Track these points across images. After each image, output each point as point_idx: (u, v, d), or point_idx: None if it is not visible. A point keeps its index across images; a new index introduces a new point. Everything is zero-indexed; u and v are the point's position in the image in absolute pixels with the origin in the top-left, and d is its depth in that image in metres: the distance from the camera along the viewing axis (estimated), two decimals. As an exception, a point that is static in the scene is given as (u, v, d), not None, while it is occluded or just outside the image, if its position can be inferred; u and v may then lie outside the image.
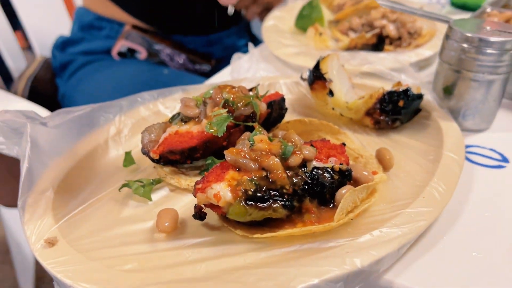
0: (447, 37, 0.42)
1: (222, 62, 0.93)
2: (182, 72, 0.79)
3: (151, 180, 0.34)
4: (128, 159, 0.36)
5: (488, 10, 0.58)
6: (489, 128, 0.45)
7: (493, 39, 0.39)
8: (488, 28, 0.41)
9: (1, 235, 1.17)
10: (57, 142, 0.34)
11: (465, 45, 0.40)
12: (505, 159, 0.40)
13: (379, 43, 0.55)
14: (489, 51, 0.40)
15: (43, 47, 1.03)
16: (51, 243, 0.28)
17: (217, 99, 0.35)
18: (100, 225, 0.30)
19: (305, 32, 0.62)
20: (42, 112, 0.64)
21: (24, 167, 0.32)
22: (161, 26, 0.84)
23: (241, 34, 0.98)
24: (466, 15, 0.64)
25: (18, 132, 0.33)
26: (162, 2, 0.81)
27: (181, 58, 0.84)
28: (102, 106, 0.38)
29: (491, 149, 0.41)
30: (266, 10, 0.84)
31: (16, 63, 1.00)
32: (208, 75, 0.87)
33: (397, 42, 0.58)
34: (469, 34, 0.40)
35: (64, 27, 1.03)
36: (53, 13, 1.05)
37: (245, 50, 0.94)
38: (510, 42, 0.39)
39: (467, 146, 0.42)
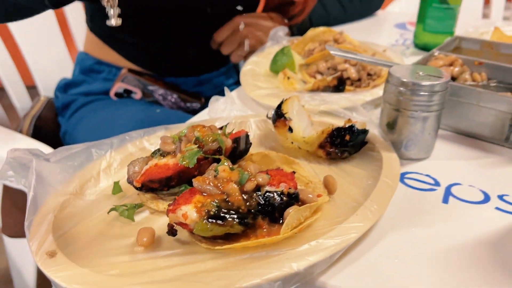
0: (387, 81, 0.50)
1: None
2: (173, 111, 0.87)
3: (134, 205, 0.41)
4: (116, 187, 0.43)
5: (436, 53, 0.66)
6: (429, 157, 0.52)
7: (424, 83, 0.47)
8: (421, 73, 0.49)
9: (5, 266, 1.23)
10: (58, 174, 0.41)
11: (401, 88, 0.48)
12: (437, 183, 0.47)
13: (339, 85, 0.63)
14: (421, 93, 0.48)
15: (46, 88, 1.12)
16: (51, 255, 0.35)
17: (190, 136, 0.42)
18: (92, 241, 0.37)
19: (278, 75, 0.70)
20: (46, 149, 0.71)
21: (30, 196, 0.39)
22: (155, 69, 0.93)
23: (230, 74, 1.07)
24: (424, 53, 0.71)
25: (25, 167, 0.41)
26: (156, 48, 0.90)
27: (173, 97, 0.92)
28: (95, 144, 0.46)
29: (427, 175, 0.48)
30: (249, 53, 0.93)
31: (21, 103, 1.08)
32: (198, 112, 0.95)
33: (357, 83, 0.66)
34: (404, 79, 0.48)
35: (66, 69, 1.12)
36: (57, 57, 1.15)
37: (233, 88, 1.03)
38: (438, 85, 0.47)
39: (407, 173, 0.49)
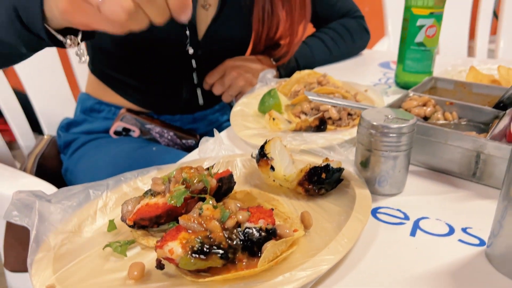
0: (359, 124, 0.55)
1: (205, 136, 1.06)
2: (169, 148, 0.92)
3: (127, 241, 0.45)
4: (111, 225, 0.48)
5: (411, 94, 0.71)
6: (401, 192, 0.56)
7: (392, 126, 0.52)
8: (389, 116, 0.54)
9: (5, 300, 1.25)
10: (58, 214, 0.46)
11: (372, 131, 0.53)
12: (406, 217, 0.51)
13: (321, 125, 0.68)
14: (390, 135, 0.52)
15: (49, 126, 1.17)
16: (51, 288, 0.39)
17: (178, 178, 0.47)
18: (88, 275, 0.41)
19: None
20: (48, 187, 0.76)
21: (32, 234, 0.43)
22: (152, 108, 0.98)
23: (224, 111, 1.12)
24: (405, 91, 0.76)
25: (29, 207, 0.45)
26: (152, 89, 0.96)
27: (169, 135, 0.97)
28: (93, 185, 0.50)
29: (398, 210, 0.53)
30: (240, 94, 0.98)
31: (25, 142, 1.14)
32: (193, 148, 1.00)
33: (338, 122, 0.71)
34: (374, 123, 0.53)
35: (69, 109, 1.18)
36: (60, 97, 1.21)
37: (227, 125, 1.08)
38: (405, 128, 0.52)
39: (380, 208, 0.53)
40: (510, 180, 0.42)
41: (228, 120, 1.12)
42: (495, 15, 1.84)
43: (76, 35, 0.52)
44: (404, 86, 0.91)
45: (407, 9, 0.86)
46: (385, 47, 1.46)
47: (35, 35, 0.51)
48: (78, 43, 0.52)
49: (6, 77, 1.08)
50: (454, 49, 1.67)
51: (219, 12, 0.91)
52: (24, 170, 0.93)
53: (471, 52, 1.76)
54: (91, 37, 0.53)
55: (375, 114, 0.55)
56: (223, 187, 0.50)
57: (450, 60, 1.02)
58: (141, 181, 0.54)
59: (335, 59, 1.11)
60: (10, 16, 0.51)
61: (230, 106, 1.16)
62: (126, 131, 0.93)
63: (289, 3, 0.92)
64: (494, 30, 1.74)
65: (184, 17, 0.42)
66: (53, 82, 1.18)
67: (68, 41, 0.51)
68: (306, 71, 0.84)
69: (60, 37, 0.50)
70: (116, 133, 0.93)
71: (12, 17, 0.51)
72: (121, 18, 0.38)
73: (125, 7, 0.37)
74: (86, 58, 0.55)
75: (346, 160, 0.57)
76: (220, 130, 1.04)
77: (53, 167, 0.97)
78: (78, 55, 0.55)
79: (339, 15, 1.12)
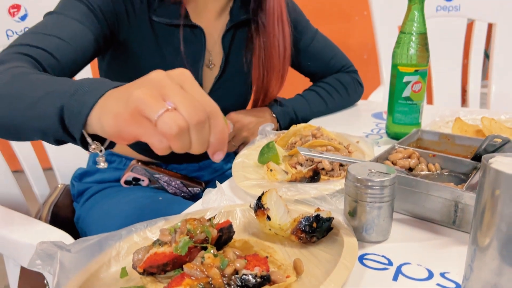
0: (346, 177, 0.61)
1: (210, 183, 1.12)
2: (175, 197, 0.98)
3: (137, 287, 0.50)
4: (123, 272, 0.53)
5: (396, 147, 0.77)
6: (387, 239, 0.61)
7: (375, 179, 0.58)
8: (373, 170, 0.60)
9: None
10: (77, 263, 0.51)
11: (357, 184, 0.59)
12: (390, 263, 0.56)
13: (314, 175, 0.74)
14: (374, 187, 0.58)
15: (63, 176, 1.24)
16: (70, 330, 0.44)
17: (183, 229, 0.53)
18: (102, 318, 0.46)
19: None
20: (62, 235, 0.82)
21: (54, 281, 0.49)
22: (160, 159, 1.05)
23: (227, 159, 1.19)
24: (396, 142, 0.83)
25: (51, 257, 0.51)
26: None
27: (176, 183, 1.04)
28: (108, 236, 0.56)
29: (383, 256, 0.58)
30: (243, 144, 1.05)
31: (40, 190, 1.21)
32: (198, 195, 1.06)
33: (331, 172, 0.77)
34: (359, 177, 0.59)
35: (81, 159, 1.25)
36: (73, 148, 1.28)
37: (230, 172, 1.15)
38: (387, 181, 0.58)
39: (366, 254, 0.58)
40: (476, 225, 0.47)
41: (231, 167, 1.19)
42: (487, 55, 1.92)
43: (102, 143, 0.55)
44: (394, 136, 0.98)
45: (394, 66, 0.94)
46: (381, 95, 1.54)
47: (69, 135, 0.54)
48: (101, 150, 0.55)
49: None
50: (448, 93, 1.75)
51: (222, 72, 0.99)
52: (40, 218, 0.99)
53: (464, 96, 1.84)
54: (112, 147, 0.57)
55: (360, 168, 0.61)
56: (223, 237, 0.56)
57: (439, 111, 1.08)
58: (150, 231, 0.60)
59: (330, 111, 1.18)
60: (52, 113, 0.54)
61: (234, 153, 1.23)
62: (136, 180, 1.00)
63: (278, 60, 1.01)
64: (487, 74, 1.83)
65: (216, 157, 0.48)
66: (72, 149, 1.26)
67: (93, 146, 0.53)
68: (302, 125, 0.91)
69: (89, 140, 0.53)
70: (126, 182, 0.99)
71: (54, 114, 0.53)
72: (172, 133, 0.42)
73: (179, 124, 0.42)
74: (105, 164, 0.58)
75: (336, 209, 0.62)
76: (223, 177, 1.11)
77: (66, 215, 1.03)
78: (98, 162, 0.57)
79: (334, 71, 1.20)
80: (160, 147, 0.45)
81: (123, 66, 0.94)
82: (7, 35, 1.18)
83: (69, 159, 1.27)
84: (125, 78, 0.63)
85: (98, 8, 0.83)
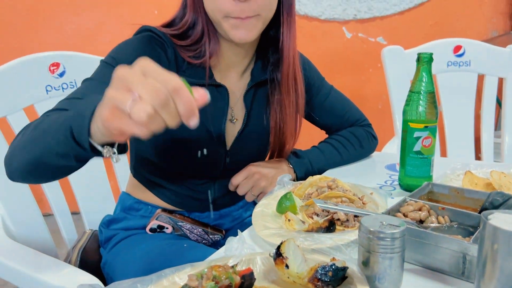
0: (359, 229, 0.65)
1: (230, 231, 1.17)
2: (198, 244, 1.03)
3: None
4: (154, 314, 0.58)
5: (408, 200, 0.82)
6: (399, 288, 0.65)
7: (386, 231, 0.63)
8: (384, 223, 0.65)
9: None
10: (113, 304, 0.57)
11: (370, 235, 0.63)
12: (401, 312, 0.60)
13: (330, 226, 0.79)
14: (385, 239, 0.63)
15: (89, 222, 1.31)
16: None
17: (209, 275, 0.58)
18: None
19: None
20: (91, 278, 0.87)
21: (92, 321, 0.54)
22: (184, 208, 1.11)
23: (247, 207, 1.24)
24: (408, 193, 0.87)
25: (90, 298, 0.56)
26: (184, 191, 1.09)
27: (198, 231, 1.09)
28: (140, 280, 0.61)
29: (395, 304, 0.61)
30: (262, 193, 1.11)
31: (68, 235, 1.27)
32: (219, 243, 1.11)
33: (346, 223, 0.82)
34: (371, 229, 0.63)
35: (109, 205, 1.32)
36: (101, 195, 1.36)
37: (250, 220, 1.19)
38: (397, 233, 0.63)
39: (379, 302, 0.62)
40: (479, 276, 0.51)
41: (250, 215, 1.24)
42: (499, 102, 1.97)
43: (112, 147, 0.67)
44: (407, 188, 1.02)
45: (405, 122, 1.00)
46: (395, 146, 1.60)
47: (81, 148, 0.66)
48: (114, 152, 0.67)
49: (60, 183, 1.24)
50: (461, 145, 1.79)
51: (245, 126, 1.07)
52: (69, 262, 1.05)
53: (478, 146, 1.87)
54: (124, 151, 0.69)
55: (372, 221, 0.66)
56: (245, 283, 0.60)
57: (451, 163, 1.13)
58: (178, 277, 0.65)
59: (345, 162, 1.24)
60: (66, 134, 0.66)
61: (254, 203, 1.29)
62: (160, 228, 1.05)
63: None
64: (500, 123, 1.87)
65: (192, 123, 0.55)
66: (96, 181, 1.34)
67: (105, 151, 0.65)
68: (318, 176, 0.97)
69: (99, 148, 0.65)
70: (151, 230, 1.05)
71: (67, 135, 0.66)
72: (143, 120, 0.50)
73: (146, 110, 0.50)
74: (117, 157, 0.68)
75: (350, 259, 0.67)
76: (243, 225, 1.16)
77: (93, 260, 1.09)
78: (112, 158, 0.68)
79: (348, 124, 1.27)
80: (143, 134, 0.54)
81: None
82: (47, 90, 1.28)
83: (96, 204, 1.34)
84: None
85: None
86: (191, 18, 0.99)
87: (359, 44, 2.57)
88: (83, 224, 1.31)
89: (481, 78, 1.83)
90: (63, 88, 1.31)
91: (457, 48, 1.75)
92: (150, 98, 0.51)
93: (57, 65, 1.30)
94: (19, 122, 1.22)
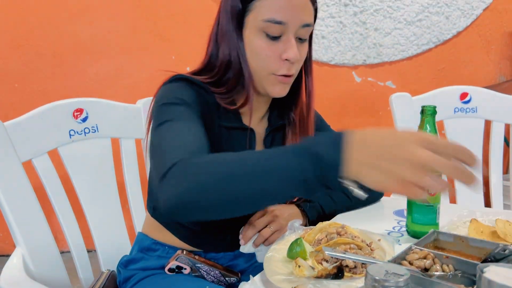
0: (365, 276, 0.69)
1: (245, 272, 1.21)
2: (216, 285, 1.06)
3: None
4: None
5: (413, 248, 0.85)
6: (404, 336, 0.68)
7: (391, 280, 0.66)
8: (389, 271, 0.68)
9: None
10: None
11: (375, 283, 0.67)
12: None
13: (339, 272, 0.82)
14: (390, 287, 0.66)
15: (105, 262, 1.35)
16: None
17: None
18: None
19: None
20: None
21: None
22: (201, 247, 1.15)
23: (260, 247, 1.27)
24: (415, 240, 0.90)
25: None
26: (204, 232, 1.13)
27: (215, 273, 1.13)
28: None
29: None
30: (277, 231, 1.15)
31: (84, 274, 1.31)
32: (234, 284, 1.14)
33: (354, 270, 0.85)
34: (376, 277, 0.67)
35: (125, 245, 1.37)
36: (117, 235, 1.40)
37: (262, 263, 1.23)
38: (402, 282, 0.66)
39: None
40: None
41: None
42: (507, 143, 1.99)
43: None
44: (414, 235, 1.05)
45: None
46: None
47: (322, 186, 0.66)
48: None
49: (78, 222, 1.30)
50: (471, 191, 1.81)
51: None
52: (88, 302, 1.09)
53: (487, 189, 1.89)
54: None
55: (378, 269, 0.69)
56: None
57: (458, 210, 1.16)
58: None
59: (355, 206, 1.28)
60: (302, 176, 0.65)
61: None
62: (179, 268, 1.09)
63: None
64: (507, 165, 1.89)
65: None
66: (112, 220, 1.39)
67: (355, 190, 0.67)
68: (327, 222, 1.01)
69: (352, 187, 0.66)
70: (170, 270, 1.09)
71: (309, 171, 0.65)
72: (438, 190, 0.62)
73: (444, 187, 0.63)
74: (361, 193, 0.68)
75: (357, 306, 0.70)
76: (257, 267, 1.19)
77: (111, 301, 1.12)
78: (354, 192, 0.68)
79: None
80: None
81: None
82: (70, 134, 1.36)
83: (111, 243, 1.38)
84: None
85: (196, 109, 0.98)
86: (228, 68, 1.06)
87: (368, 87, 2.64)
88: (98, 262, 1.35)
89: (488, 123, 1.87)
90: (85, 132, 1.39)
91: (464, 95, 1.81)
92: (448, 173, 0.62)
93: (80, 110, 1.38)
94: (43, 165, 1.29)
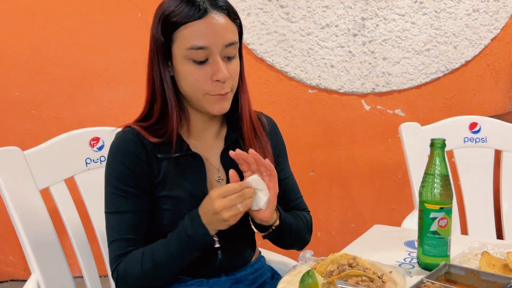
0: (378, 311, 0.70)
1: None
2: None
3: None
4: None
5: (424, 281, 0.86)
6: None
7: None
8: (401, 306, 0.69)
9: None
10: None
11: (388, 317, 0.68)
12: None
13: (351, 305, 0.83)
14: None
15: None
16: None
17: None
18: None
19: (305, 293, 0.91)
20: None
21: None
22: (202, 276, 1.15)
23: (262, 271, 1.28)
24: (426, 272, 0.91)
25: None
26: (197, 259, 1.13)
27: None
28: None
29: None
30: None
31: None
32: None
33: (365, 302, 0.86)
34: (389, 310, 0.68)
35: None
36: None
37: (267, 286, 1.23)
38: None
39: None
40: None
41: (265, 280, 1.26)
42: None
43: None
44: (425, 267, 1.05)
45: (421, 202, 1.05)
46: (414, 220, 1.62)
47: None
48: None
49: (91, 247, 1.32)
50: (482, 222, 1.81)
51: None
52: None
53: (499, 220, 1.87)
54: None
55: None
56: None
57: (470, 242, 1.16)
58: None
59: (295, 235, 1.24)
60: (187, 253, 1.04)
61: (270, 267, 1.32)
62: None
63: None
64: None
65: None
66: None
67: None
68: (339, 253, 1.02)
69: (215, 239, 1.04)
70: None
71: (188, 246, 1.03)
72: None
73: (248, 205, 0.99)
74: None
75: None
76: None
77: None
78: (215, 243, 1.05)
79: (299, 209, 1.30)
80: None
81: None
82: (86, 163, 1.39)
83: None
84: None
85: (135, 187, 1.10)
86: (154, 99, 1.12)
87: (377, 115, 2.67)
88: (110, 287, 1.37)
89: (498, 152, 1.88)
90: (101, 160, 1.42)
91: (473, 125, 1.82)
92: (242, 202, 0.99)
93: (97, 139, 1.42)
94: (59, 192, 1.32)
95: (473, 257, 1.09)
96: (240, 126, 1.18)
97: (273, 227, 1.11)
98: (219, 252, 1.15)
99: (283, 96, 2.55)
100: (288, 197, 1.28)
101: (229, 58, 1.07)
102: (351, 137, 2.66)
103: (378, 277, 0.95)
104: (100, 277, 1.38)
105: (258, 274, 1.26)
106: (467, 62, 2.68)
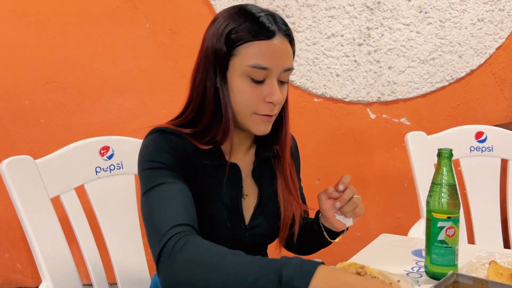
0: (387, 319, 0.71)
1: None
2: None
3: None
4: None
5: (433, 290, 0.87)
6: None
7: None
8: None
9: None
10: None
11: (397, 326, 0.69)
12: None
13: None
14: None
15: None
16: None
17: None
18: None
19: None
20: None
21: None
22: None
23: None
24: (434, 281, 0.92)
25: None
26: None
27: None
28: None
29: None
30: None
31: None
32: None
33: (374, 312, 0.86)
34: (398, 319, 0.69)
35: (146, 282, 1.39)
36: (138, 272, 1.43)
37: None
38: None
39: None
40: None
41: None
42: None
43: None
44: (433, 276, 1.06)
45: (429, 212, 1.06)
46: (421, 229, 1.63)
47: None
48: None
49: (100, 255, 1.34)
50: (489, 231, 1.81)
51: (259, 201, 1.16)
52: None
53: (506, 228, 1.87)
54: None
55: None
56: None
57: (477, 251, 1.17)
58: None
59: None
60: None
61: None
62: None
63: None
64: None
65: None
66: (135, 258, 1.42)
67: None
68: (347, 263, 1.03)
69: None
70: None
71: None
72: None
73: None
74: None
75: None
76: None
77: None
78: None
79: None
80: None
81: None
82: (96, 171, 1.41)
83: (133, 277, 1.41)
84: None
85: (177, 166, 1.05)
86: (202, 108, 1.10)
87: (383, 124, 2.68)
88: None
89: (504, 161, 1.88)
90: (110, 169, 1.44)
91: (479, 134, 1.83)
92: None
93: (107, 148, 1.44)
94: (70, 201, 1.34)
95: (481, 267, 1.09)
96: (274, 146, 1.21)
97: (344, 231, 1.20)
98: None
99: (289, 105, 2.57)
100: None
101: (282, 83, 1.09)
102: (356, 146, 2.67)
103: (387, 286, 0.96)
104: (109, 284, 1.39)
105: None
106: (472, 71, 2.69)
